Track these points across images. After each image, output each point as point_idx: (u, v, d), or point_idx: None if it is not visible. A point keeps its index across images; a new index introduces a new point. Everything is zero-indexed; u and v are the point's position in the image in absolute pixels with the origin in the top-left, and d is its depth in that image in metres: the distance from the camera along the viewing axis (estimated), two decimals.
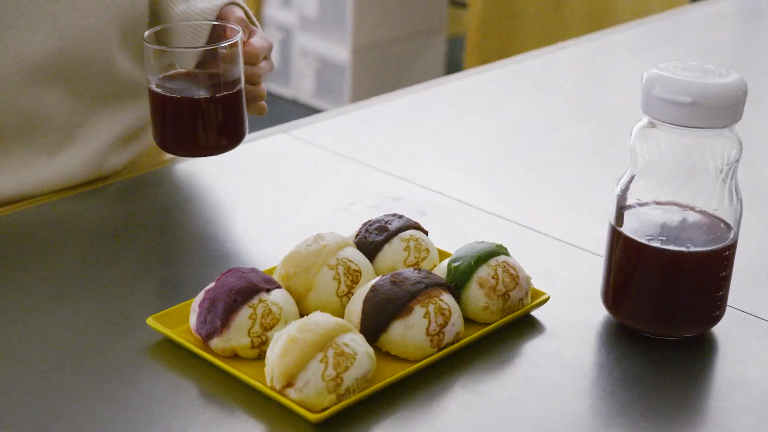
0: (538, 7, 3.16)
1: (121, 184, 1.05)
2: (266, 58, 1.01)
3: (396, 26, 3.35)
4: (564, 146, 1.20)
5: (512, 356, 0.77)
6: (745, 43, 1.72)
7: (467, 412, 0.71)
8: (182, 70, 0.94)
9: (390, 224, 0.84)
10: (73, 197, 1.01)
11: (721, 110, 0.72)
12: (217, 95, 0.92)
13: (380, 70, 3.35)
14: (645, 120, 0.76)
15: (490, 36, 3.13)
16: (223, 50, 0.92)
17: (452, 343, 0.75)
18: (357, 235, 0.85)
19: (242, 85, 0.94)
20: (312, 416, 0.67)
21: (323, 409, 0.68)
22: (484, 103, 1.34)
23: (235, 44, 0.92)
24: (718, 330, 0.80)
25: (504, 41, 3.15)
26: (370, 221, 0.85)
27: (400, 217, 0.85)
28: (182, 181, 1.07)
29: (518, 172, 1.13)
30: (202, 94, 0.93)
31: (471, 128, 1.25)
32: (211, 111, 0.93)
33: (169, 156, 1.18)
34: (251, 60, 0.98)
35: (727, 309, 0.81)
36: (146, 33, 0.92)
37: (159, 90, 0.92)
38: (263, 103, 1.03)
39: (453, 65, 3.60)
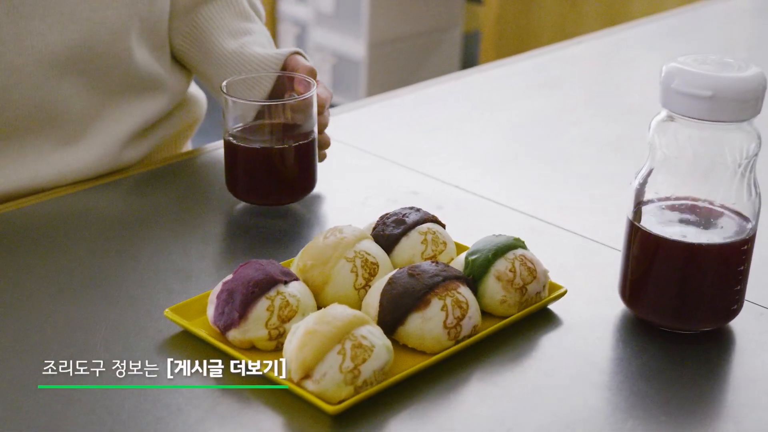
0: (554, 2, 3.16)
1: (137, 177, 1.05)
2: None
3: (412, 22, 3.35)
4: (580, 141, 1.20)
5: (529, 349, 0.77)
6: (760, 39, 1.72)
7: (484, 404, 0.71)
8: (258, 122, 0.96)
9: (407, 217, 0.84)
10: (90, 189, 1.02)
11: (740, 104, 0.72)
12: (293, 146, 0.94)
13: (396, 66, 3.35)
14: (664, 114, 0.76)
15: (506, 31, 3.12)
16: (304, 102, 0.94)
17: (469, 336, 0.75)
18: (374, 228, 0.85)
19: (315, 134, 0.96)
20: (329, 408, 0.67)
21: (341, 401, 0.68)
22: (500, 98, 1.34)
23: (313, 96, 0.94)
24: (736, 324, 0.80)
25: (520, 37, 3.15)
26: (387, 214, 0.85)
27: (418, 210, 0.85)
28: (198, 174, 1.07)
29: (535, 166, 1.12)
30: (277, 145, 0.94)
31: (487, 123, 1.25)
32: (286, 161, 0.95)
33: (185, 148, 1.18)
34: (319, 110, 0.99)
35: (745, 303, 0.81)
36: (223, 83, 0.94)
37: (233, 140, 0.94)
38: (325, 151, 1.05)
39: (469, 61, 3.59)
